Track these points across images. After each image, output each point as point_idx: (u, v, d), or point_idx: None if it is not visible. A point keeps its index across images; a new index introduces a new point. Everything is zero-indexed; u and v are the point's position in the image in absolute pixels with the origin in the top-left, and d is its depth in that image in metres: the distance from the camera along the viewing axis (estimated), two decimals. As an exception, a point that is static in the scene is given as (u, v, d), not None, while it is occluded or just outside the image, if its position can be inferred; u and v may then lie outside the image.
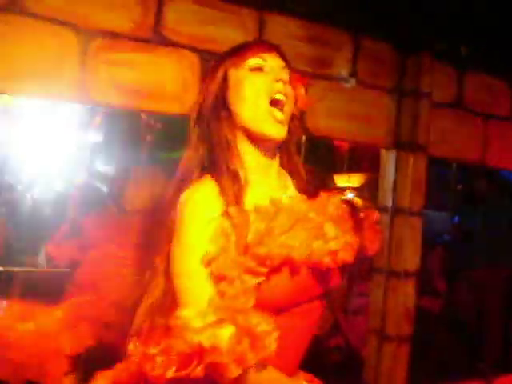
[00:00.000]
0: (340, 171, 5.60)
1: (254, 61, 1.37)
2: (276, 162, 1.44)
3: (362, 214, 1.49)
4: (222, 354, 1.13)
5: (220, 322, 1.16)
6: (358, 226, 1.42)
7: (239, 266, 1.21)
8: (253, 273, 1.22)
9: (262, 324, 1.17)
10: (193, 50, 2.32)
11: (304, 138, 2.64)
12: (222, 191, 1.31)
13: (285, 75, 1.37)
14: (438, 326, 4.13)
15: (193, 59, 2.31)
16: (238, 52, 1.41)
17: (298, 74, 1.52)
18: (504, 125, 3.39)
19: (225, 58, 1.44)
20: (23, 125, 3.83)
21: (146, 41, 2.25)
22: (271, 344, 1.17)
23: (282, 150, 1.46)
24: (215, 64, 1.46)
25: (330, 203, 1.39)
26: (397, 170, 2.68)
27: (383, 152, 2.79)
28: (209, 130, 1.39)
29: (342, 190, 5.38)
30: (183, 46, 2.30)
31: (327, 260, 1.29)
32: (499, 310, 4.70)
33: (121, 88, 2.20)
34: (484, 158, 3.27)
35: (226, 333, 1.15)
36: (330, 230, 1.31)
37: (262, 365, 1.21)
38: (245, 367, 1.15)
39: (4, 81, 2.05)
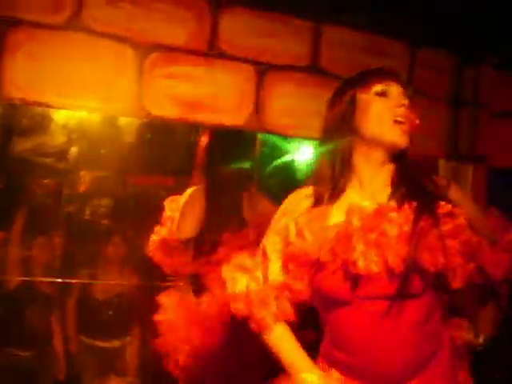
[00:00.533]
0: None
1: (379, 87, 1.55)
2: (387, 173, 1.60)
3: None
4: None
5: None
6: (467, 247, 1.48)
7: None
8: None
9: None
10: (249, 62, 2.33)
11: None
12: (316, 193, 1.58)
13: (405, 101, 1.55)
14: None
15: (249, 71, 2.32)
16: (365, 78, 1.60)
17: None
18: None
19: (353, 83, 1.62)
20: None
21: (201, 54, 2.27)
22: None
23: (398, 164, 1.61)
24: (342, 87, 1.65)
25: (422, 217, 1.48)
26: (455, 180, 2.62)
27: (441, 162, 2.73)
28: (329, 144, 1.60)
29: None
30: (239, 59, 2.31)
31: (374, 268, 1.44)
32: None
33: (177, 101, 2.23)
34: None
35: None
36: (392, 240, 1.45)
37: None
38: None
39: (64, 97, 2.10)
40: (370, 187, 1.57)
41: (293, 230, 1.54)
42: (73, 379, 3.52)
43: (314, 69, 2.43)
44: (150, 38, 2.21)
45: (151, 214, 3.50)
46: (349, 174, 1.58)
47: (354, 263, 1.44)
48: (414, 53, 2.64)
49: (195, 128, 2.50)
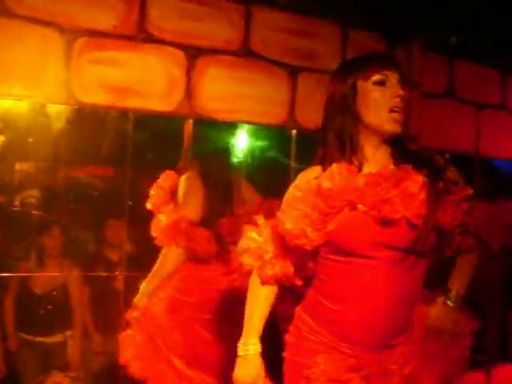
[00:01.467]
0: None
1: (377, 77, 1.63)
2: (386, 151, 1.70)
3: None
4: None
5: None
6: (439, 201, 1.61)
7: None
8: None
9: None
10: (179, 46, 2.28)
11: (295, 132, 2.61)
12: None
13: (401, 91, 1.63)
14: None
15: (179, 56, 2.28)
16: (365, 67, 1.67)
17: None
18: (496, 113, 3.38)
19: (353, 70, 1.68)
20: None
21: (130, 38, 2.21)
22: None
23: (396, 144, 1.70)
24: (343, 73, 1.70)
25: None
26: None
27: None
28: (339, 127, 1.67)
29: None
30: (169, 43, 2.26)
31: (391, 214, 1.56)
32: (497, 301, 4.69)
33: (106, 87, 2.17)
34: (477, 148, 3.25)
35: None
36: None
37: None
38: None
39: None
40: (375, 163, 1.67)
41: (324, 178, 1.62)
42: (13, 378, 3.43)
43: (245, 52, 2.40)
44: (77, 22, 2.14)
45: (89, 204, 3.43)
46: (356, 151, 1.67)
47: (380, 208, 1.56)
48: (345, 35, 2.65)
49: (126, 115, 2.44)
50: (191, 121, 2.54)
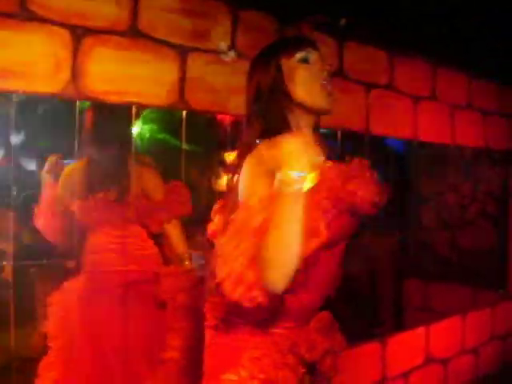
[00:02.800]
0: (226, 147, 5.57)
1: (301, 54, 1.67)
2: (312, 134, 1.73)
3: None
4: None
5: None
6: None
7: None
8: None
9: None
10: (64, 25, 2.18)
11: (184, 113, 2.60)
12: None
13: (326, 66, 1.69)
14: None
15: (64, 36, 2.18)
16: (287, 46, 1.70)
17: None
18: (385, 93, 3.50)
19: (275, 50, 1.72)
20: None
21: (11, 16, 2.10)
22: None
23: None
24: (265, 55, 1.73)
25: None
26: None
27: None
28: (267, 108, 1.68)
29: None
30: (53, 22, 2.16)
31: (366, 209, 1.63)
32: (388, 274, 4.91)
33: (-14, 68, 2.05)
34: (368, 127, 3.37)
35: None
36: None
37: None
38: None
39: None
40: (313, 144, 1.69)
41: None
42: None
43: (133, 32, 2.34)
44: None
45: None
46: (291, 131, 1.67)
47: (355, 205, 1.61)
48: (235, 15, 2.64)
49: (9, 98, 2.32)
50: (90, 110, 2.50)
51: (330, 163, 1.66)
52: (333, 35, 3.07)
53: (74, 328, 2.61)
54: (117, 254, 2.66)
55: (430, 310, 4.75)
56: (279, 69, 1.67)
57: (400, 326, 4.60)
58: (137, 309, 2.64)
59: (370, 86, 3.40)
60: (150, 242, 2.77)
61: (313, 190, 1.42)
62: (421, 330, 3.92)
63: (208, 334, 1.74)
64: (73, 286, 2.66)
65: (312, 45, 1.71)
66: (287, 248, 1.36)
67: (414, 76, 3.72)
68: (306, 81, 1.66)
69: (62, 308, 2.62)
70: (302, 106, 1.67)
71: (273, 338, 1.64)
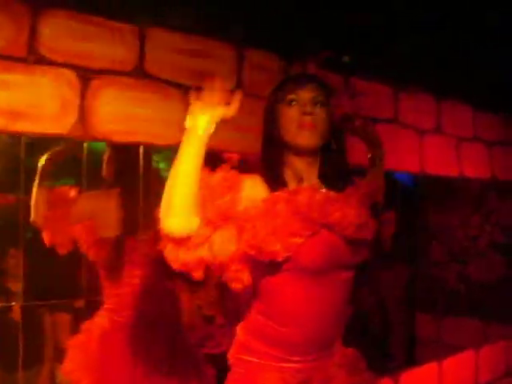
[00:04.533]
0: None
1: (290, 96, 1.73)
2: (316, 165, 1.79)
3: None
4: None
5: None
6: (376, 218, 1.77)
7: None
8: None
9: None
10: (71, 67, 2.23)
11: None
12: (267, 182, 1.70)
13: (309, 108, 1.71)
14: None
15: (72, 77, 2.23)
16: (282, 88, 1.77)
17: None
18: (389, 127, 3.52)
19: (274, 93, 1.79)
20: None
21: (20, 60, 2.15)
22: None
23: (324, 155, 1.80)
24: (269, 98, 1.81)
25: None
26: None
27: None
28: (264, 149, 1.79)
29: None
30: (60, 64, 2.20)
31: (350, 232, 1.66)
32: (400, 308, 4.86)
33: (-4, 111, 2.08)
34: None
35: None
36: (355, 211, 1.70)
37: None
38: None
39: None
40: (308, 179, 1.74)
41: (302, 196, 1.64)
42: None
43: (139, 73, 2.38)
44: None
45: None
46: (286, 170, 1.74)
47: (333, 226, 1.64)
48: (241, 54, 2.69)
49: (18, 139, 2.35)
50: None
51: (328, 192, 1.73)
52: (339, 72, 3.10)
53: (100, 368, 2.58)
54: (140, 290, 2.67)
55: (441, 344, 4.69)
56: (272, 112, 1.76)
57: (412, 360, 4.54)
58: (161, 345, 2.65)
59: (374, 121, 3.42)
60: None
61: (282, 211, 1.59)
62: (433, 365, 3.86)
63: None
64: (93, 327, 2.64)
65: (304, 85, 1.74)
66: (173, 186, 1.53)
67: (418, 109, 3.74)
68: (286, 121, 1.71)
69: (82, 350, 2.60)
70: (288, 147, 1.73)
71: (282, 374, 1.66)
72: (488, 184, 4.69)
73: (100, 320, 2.64)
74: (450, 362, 3.97)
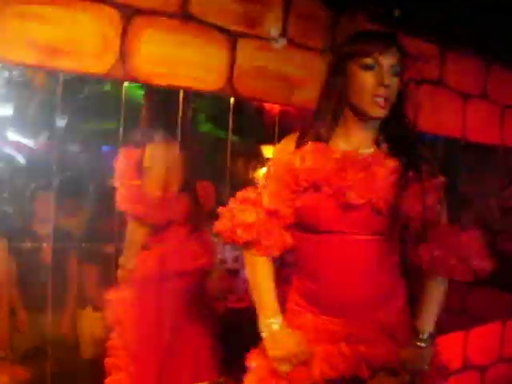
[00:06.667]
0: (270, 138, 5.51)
1: (367, 60, 1.64)
2: (372, 130, 1.76)
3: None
4: None
5: None
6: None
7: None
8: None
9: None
10: (113, 4, 2.13)
11: (232, 100, 2.54)
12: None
13: (388, 79, 1.63)
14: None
15: (113, 15, 2.13)
16: (357, 48, 1.67)
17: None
18: (433, 89, 3.39)
19: (347, 48, 1.71)
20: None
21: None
22: None
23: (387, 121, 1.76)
24: (339, 50, 1.75)
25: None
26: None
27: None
28: (322, 101, 1.75)
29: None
30: (102, 1, 2.11)
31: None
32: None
33: (33, 45, 2.00)
34: (415, 123, 3.25)
35: None
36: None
37: None
38: None
39: None
40: (357, 140, 1.73)
41: (296, 156, 1.68)
42: None
43: (183, 15, 2.28)
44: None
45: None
46: (337, 126, 1.73)
47: (345, 192, 1.63)
48: (288, 1, 2.56)
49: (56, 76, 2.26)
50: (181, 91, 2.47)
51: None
52: (387, 26, 2.96)
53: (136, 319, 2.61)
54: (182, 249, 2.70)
55: (467, 314, 4.63)
56: (343, 69, 1.68)
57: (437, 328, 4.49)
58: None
59: (418, 83, 3.28)
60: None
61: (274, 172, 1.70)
62: (459, 334, 3.80)
63: None
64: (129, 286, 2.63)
65: (386, 49, 1.66)
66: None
67: (465, 72, 3.59)
68: (361, 88, 1.65)
69: (120, 303, 2.61)
70: (353, 110, 1.71)
71: (316, 325, 1.75)
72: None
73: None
74: (475, 333, 3.91)
